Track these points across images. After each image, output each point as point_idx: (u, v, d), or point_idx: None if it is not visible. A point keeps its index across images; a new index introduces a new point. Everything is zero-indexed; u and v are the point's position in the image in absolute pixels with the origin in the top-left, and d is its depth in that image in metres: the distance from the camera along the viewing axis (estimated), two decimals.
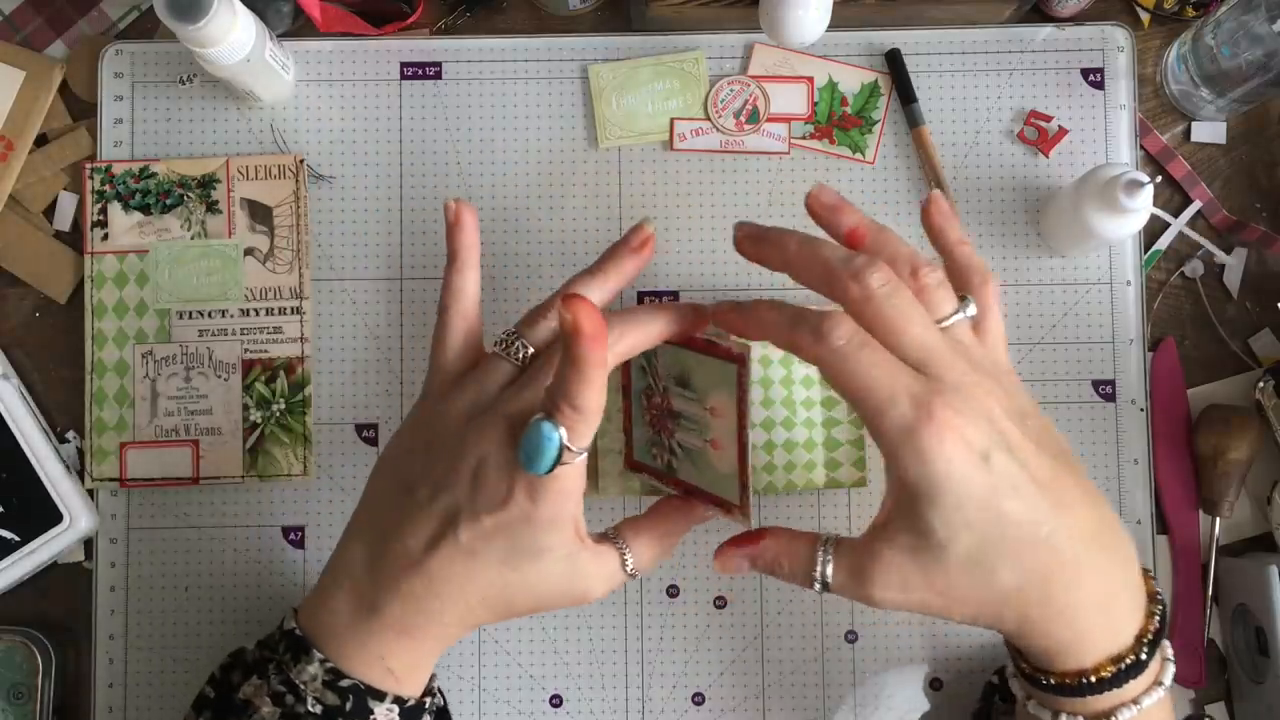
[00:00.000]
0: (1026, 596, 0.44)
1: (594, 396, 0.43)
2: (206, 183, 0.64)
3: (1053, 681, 0.46)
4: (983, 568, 0.44)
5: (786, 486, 0.60)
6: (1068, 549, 0.44)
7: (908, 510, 0.44)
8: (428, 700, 0.50)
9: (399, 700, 0.48)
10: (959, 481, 0.43)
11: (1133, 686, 0.46)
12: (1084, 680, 0.45)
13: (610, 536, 0.50)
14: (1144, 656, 0.45)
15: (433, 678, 0.51)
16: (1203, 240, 0.65)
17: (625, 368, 0.55)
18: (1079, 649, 0.45)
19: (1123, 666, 0.45)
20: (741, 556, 0.49)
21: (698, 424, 0.51)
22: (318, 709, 0.47)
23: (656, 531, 0.51)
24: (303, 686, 0.47)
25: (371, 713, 0.47)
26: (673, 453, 0.53)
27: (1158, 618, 0.46)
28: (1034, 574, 0.44)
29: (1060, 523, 0.44)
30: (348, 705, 0.47)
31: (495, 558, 0.47)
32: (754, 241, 0.48)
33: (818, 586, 0.47)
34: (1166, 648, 0.47)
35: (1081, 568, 0.44)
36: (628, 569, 0.50)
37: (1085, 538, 0.44)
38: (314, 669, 0.47)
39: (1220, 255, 0.65)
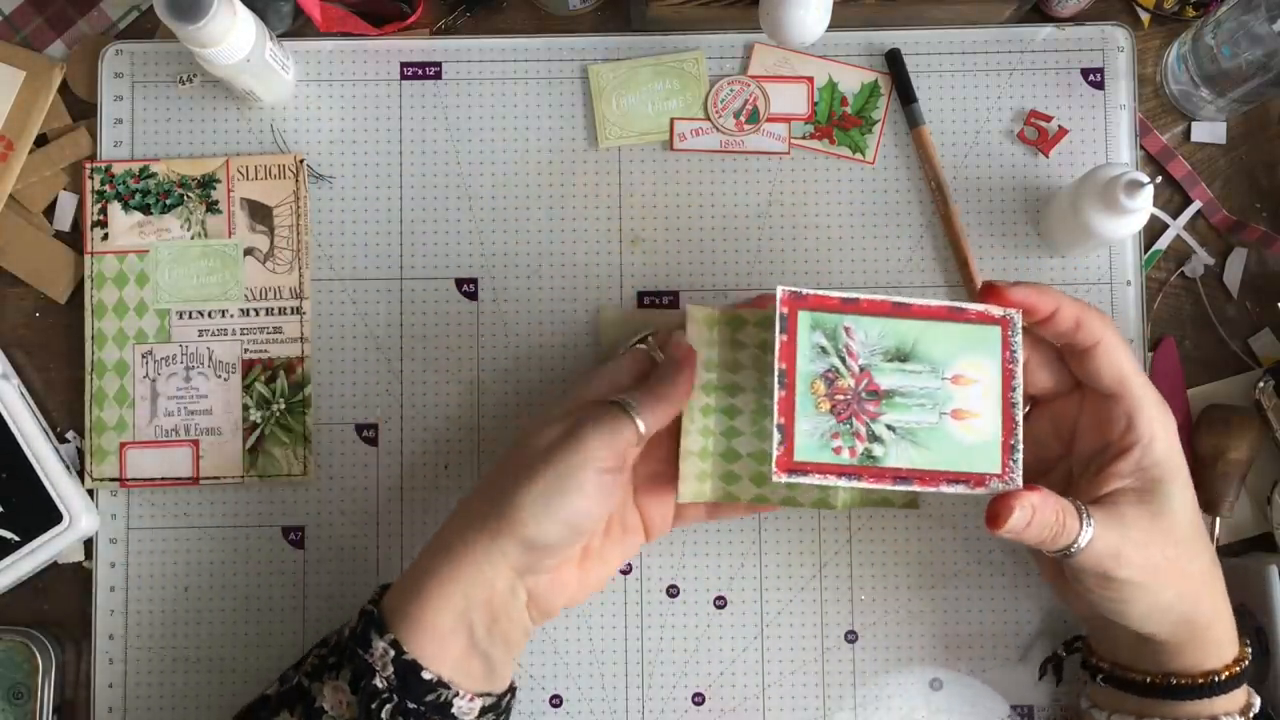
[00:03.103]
0: (1212, 583, 0.52)
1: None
2: (206, 183, 0.64)
3: (1222, 678, 0.51)
4: (1192, 547, 0.50)
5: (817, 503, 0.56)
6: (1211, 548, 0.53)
7: (1155, 482, 0.50)
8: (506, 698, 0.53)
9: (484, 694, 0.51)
10: (1185, 466, 0.51)
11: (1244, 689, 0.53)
12: (1241, 667, 0.52)
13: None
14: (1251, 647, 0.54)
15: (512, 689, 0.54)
16: (1194, 245, 0.65)
17: (787, 349, 0.49)
18: (1229, 637, 0.53)
19: (1250, 655, 0.53)
20: (1027, 507, 0.47)
21: (929, 398, 0.50)
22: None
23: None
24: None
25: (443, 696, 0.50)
26: (875, 439, 0.50)
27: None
28: (1211, 562, 0.52)
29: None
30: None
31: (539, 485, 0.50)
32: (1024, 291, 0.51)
33: (1078, 546, 0.48)
34: None
35: (1218, 565, 0.53)
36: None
37: None
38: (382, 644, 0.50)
39: (1204, 256, 0.65)
